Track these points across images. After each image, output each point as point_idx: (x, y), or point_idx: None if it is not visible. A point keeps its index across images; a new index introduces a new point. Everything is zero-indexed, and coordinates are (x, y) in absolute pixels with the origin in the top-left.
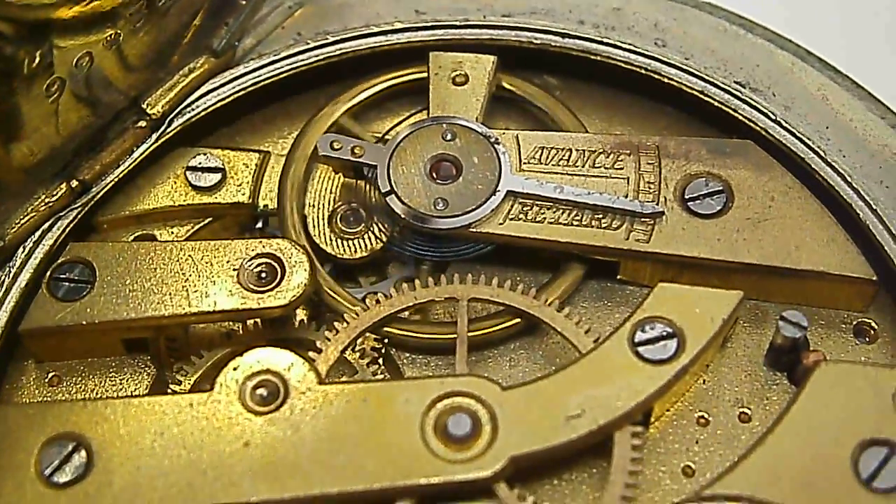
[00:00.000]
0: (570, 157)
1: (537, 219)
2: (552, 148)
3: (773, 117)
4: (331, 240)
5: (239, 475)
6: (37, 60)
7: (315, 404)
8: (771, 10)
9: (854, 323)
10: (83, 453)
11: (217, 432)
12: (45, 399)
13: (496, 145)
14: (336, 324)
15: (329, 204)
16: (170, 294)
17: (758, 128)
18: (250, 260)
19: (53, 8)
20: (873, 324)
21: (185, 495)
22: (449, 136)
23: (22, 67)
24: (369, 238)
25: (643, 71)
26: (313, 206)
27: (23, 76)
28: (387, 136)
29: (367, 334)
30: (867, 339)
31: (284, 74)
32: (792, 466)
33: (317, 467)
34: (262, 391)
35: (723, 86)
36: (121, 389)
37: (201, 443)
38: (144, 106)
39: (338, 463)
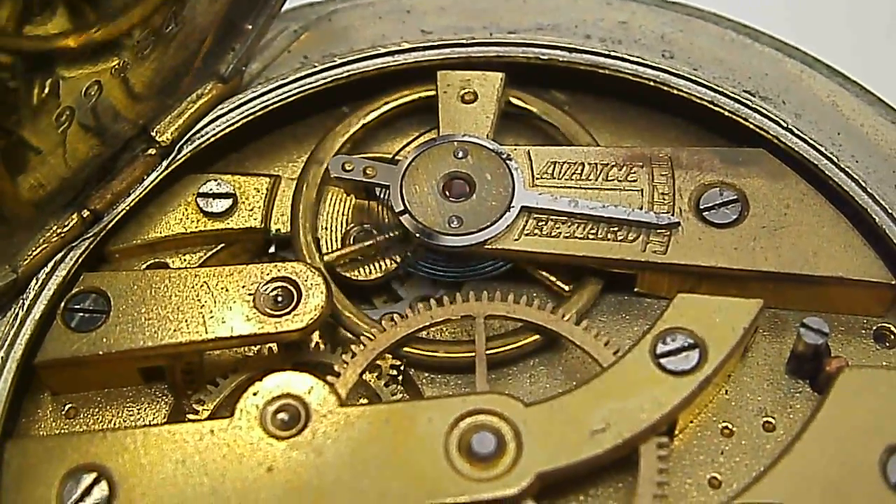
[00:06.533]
0: (582, 170)
1: (553, 233)
2: (564, 162)
3: (785, 125)
4: (345, 262)
5: (263, 501)
6: (46, 91)
7: (337, 427)
8: (777, 18)
9: (874, 328)
10: (104, 484)
11: (239, 458)
12: (62, 431)
13: (508, 161)
14: (353, 346)
15: (342, 226)
16: (186, 321)
17: (769, 136)
18: (266, 284)
19: (57, 38)
20: (893, 328)
21: None
22: (460, 154)
23: (29, 99)
24: (383, 259)
25: (651, 83)
26: (326, 228)
27: (31, 107)
28: (397, 157)
29: (385, 355)
30: (887, 344)
31: (292, 98)
32: (820, 474)
33: (341, 490)
34: (283, 415)
35: (732, 95)
36: (138, 419)
37: (224, 470)
38: (153, 133)
39: (362, 485)
